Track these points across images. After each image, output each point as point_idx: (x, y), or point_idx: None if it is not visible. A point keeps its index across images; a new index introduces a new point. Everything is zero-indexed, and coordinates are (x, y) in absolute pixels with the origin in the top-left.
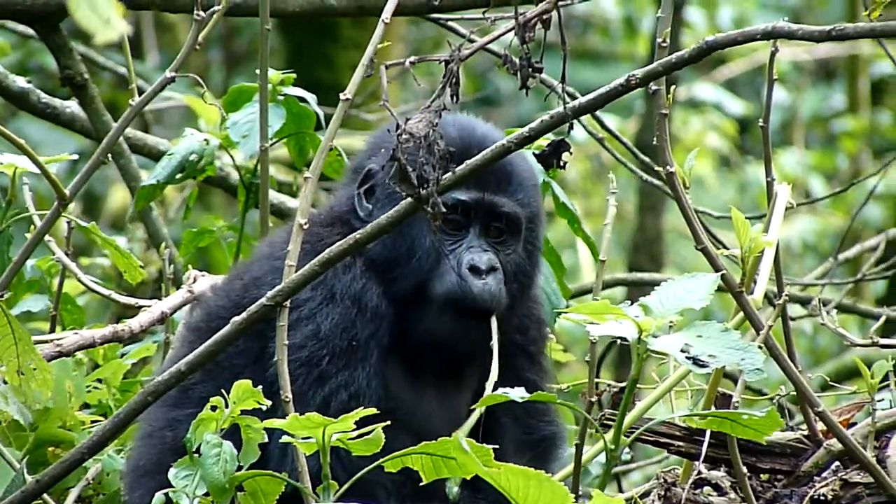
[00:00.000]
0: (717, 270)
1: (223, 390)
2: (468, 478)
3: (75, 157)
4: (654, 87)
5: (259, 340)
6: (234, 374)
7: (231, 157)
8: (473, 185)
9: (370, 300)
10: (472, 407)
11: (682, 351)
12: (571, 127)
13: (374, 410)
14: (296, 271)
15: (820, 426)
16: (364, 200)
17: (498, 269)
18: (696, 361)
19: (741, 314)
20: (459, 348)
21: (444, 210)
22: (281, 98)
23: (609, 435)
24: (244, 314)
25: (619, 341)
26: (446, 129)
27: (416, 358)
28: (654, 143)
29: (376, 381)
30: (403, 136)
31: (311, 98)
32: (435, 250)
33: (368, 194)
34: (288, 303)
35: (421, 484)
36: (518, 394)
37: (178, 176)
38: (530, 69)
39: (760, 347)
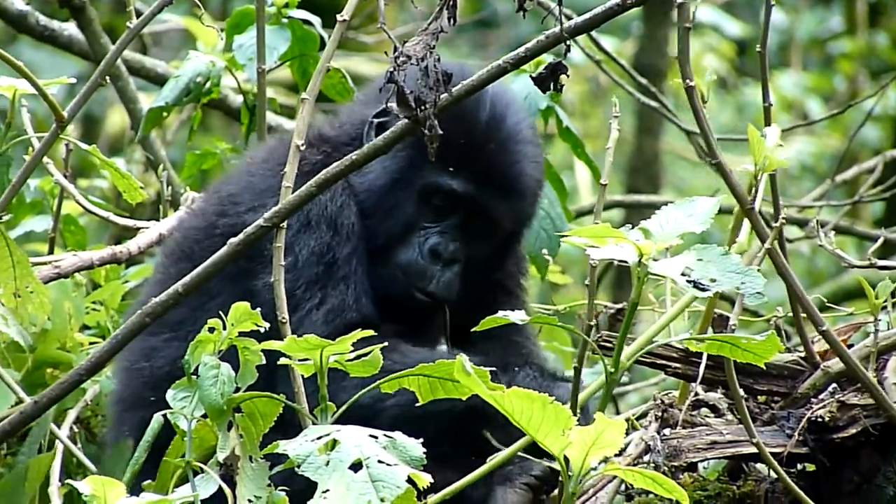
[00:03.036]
0: (731, 186)
1: (199, 314)
2: None
3: (73, 80)
4: (679, 1)
5: (235, 263)
6: (208, 297)
7: (235, 78)
8: (474, 179)
9: (347, 218)
10: (473, 329)
11: (683, 274)
12: (568, 49)
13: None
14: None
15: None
16: (374, 132)
17: (458, 263)
18: (696, 285)
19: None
20: (413, 306)
21: (440, 132)
22: (285, 21)
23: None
24: (241, 235)
25: (617, 263)
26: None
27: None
28: (676, 56)
29: (365, 296)
30: (401, 59)
31: (316, 21)
32: (410, 221)
33: (380, 128)
34: (285, 224)
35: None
36: (519, 316)
37: (185, 98)
38: None
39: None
